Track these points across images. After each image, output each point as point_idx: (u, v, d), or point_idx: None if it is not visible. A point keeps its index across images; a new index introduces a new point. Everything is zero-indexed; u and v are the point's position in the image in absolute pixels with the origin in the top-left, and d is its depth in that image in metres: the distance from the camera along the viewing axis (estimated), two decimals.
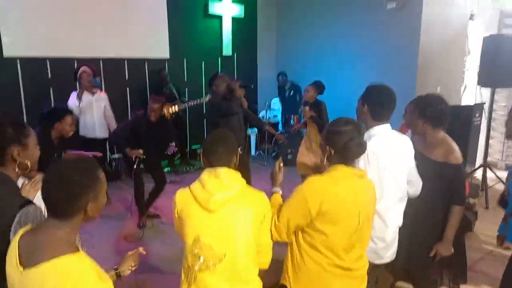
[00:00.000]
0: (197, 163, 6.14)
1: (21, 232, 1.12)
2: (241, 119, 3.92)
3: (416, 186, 2.03)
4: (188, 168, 5.99)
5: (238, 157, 1.61)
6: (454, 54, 3.88)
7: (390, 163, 1.86)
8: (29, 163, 1.37)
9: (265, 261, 1.62)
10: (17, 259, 1.06)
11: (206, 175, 1.52)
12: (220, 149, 1.54)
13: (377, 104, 1.88)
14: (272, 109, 7.25)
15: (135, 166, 3.78)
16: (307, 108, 4.32)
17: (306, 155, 4.44)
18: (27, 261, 1.05)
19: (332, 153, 1.60)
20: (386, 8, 5.67)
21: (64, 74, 5.24)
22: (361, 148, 1.59)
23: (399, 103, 3.20)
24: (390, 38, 5.78)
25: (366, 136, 1.85)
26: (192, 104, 5.94)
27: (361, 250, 1.67)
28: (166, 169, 5.90)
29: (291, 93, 6.64)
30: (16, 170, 1.35)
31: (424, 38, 5.51)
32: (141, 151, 3.75)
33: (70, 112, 3.21)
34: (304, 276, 1.62)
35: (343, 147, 1.56)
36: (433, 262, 2.13)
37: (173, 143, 4.15)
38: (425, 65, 5.57)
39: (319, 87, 4.44)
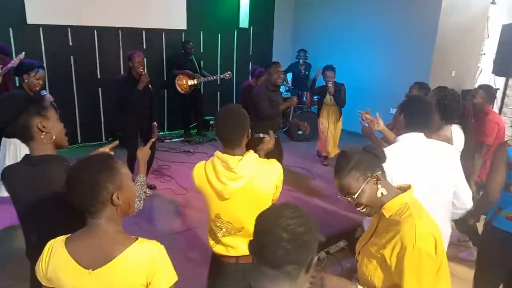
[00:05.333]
0: (209, 133, 6.33)
1: (59, 242, 1.15)
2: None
3: (463, 199, 1.92)
4: (201, 139, 6.14)
5: (250, 133, 1.63)
6: (472, 39, 3.87)
7: (421, 171, 1.79)
8: (53, 133, 1.49)
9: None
10: (77, 264, 1.10)
11: (219, 164, 1.58)
12: (230, 130, 1.57)
13: (412, 115, 1.92)
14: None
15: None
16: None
17: None
18: (92, 264, 1.10)
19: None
20: None
21: (84, 42, 5.42)
22: None
23: (412, 80, 3.30)
24: (409, 19, 5.73)
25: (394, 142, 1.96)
26: (211, 79, 6.06)
27: None
28: (180, 138, 6.11)
29: (306, 72, 6.69)
30: (44, 141, 1.47)
31: (443, 20, 5.45)
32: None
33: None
34: None
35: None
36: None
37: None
38: (442, 48, 5.55)
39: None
